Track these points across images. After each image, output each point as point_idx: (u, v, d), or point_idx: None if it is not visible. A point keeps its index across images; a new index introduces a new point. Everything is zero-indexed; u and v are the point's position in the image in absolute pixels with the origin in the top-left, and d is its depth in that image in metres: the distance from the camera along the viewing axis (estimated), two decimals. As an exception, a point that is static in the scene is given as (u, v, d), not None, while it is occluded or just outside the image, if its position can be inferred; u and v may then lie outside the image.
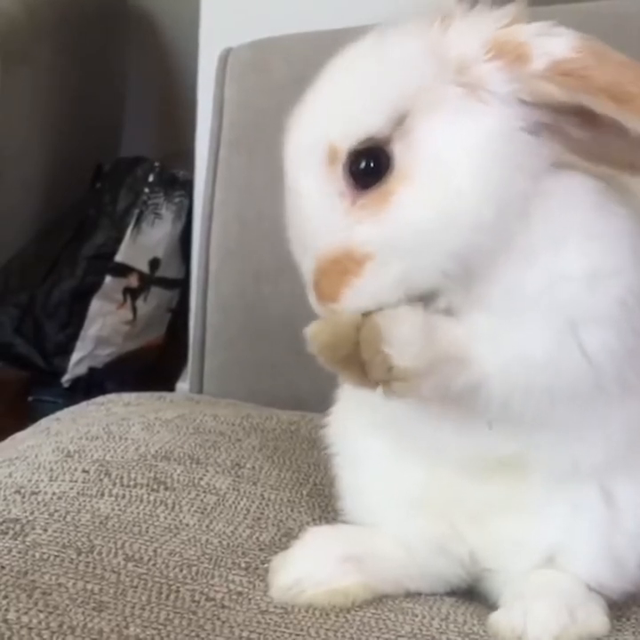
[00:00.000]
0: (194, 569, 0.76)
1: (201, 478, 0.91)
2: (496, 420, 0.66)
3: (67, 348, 2.28)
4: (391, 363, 0.61)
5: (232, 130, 1.48)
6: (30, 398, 2.30)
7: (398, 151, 0.61)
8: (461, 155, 0.60)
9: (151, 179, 2.41)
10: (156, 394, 1.24)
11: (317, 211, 0.63)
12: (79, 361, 2.29)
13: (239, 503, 0.88)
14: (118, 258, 2.35)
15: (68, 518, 0.81)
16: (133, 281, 2.38)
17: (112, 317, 2.34)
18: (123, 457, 0.94)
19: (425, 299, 0.64)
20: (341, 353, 0.63)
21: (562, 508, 0.72)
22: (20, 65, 2.20)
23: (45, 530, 0.79)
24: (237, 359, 1.37)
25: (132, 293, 2.37)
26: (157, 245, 2.41)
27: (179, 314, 2.47)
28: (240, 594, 0.74)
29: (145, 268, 2.39)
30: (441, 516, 0.75)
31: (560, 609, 0.69)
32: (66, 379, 2.29)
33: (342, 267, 0.62)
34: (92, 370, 2.31)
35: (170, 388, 2.31)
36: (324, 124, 0.63)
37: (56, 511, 0.82)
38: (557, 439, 0.68)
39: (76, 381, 2.30)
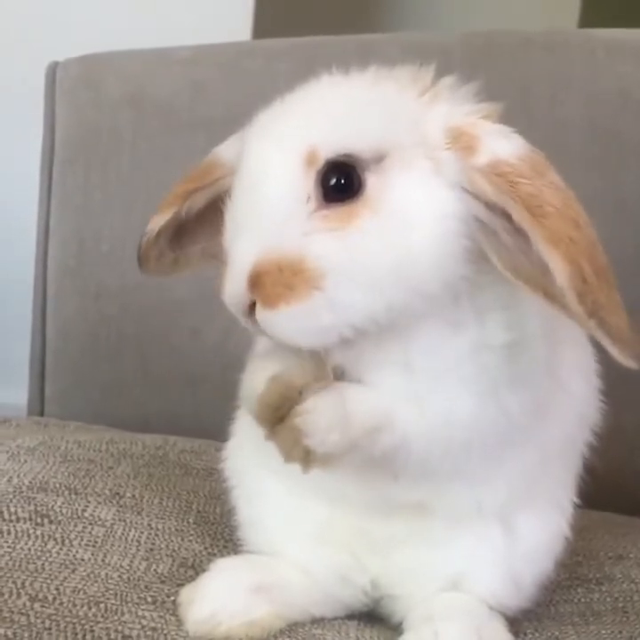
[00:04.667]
0: (102, 606, 0.74)
1: (84, 510, 0.89)
2: (407, 473, 0.69)
3: None
4: (310, 451, 0.62)
5: (65, 148, 1.43)
6: None
7: (371, 182, 0.62)
8: (425, 220, 0.62)
9: None
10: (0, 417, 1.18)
11: (282, 204, 0.62)
12: None
13: (128, 534, 0.86)
14: None
15: (-42, 558, 0.77)
16: None
17: None
18: (-3, 489, 0.90)
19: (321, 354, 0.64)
20: (280, 414, 0.64)
21: (464, 539, 0.76)
22: None
23: (-63, 572, 0.74)
24: (80, 381, 1.34)
25: None
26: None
27: None
28: (154, 629, 0.73)
29: None
30: (343, 547, 0.77)
31: (468, 629, 0.73)
32: None
33: (291, 279, 0.61)
34: None
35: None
36: (310, 127, 0.63)
37: (-58, 551, 0.77)
38: (463, 486, 0.72)
39: None
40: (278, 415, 0.63)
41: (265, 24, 1.98)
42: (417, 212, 0.62)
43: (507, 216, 0.61)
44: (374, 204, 0.62)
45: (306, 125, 0.63)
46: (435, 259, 0.62)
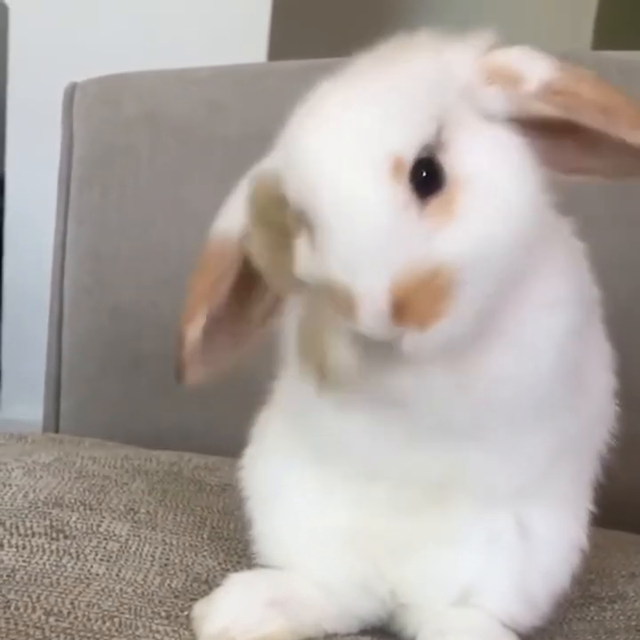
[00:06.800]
0: (116, 620, 0.75)
1: (99, 525, 0.90)
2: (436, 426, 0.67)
3: None
4: (327, 361, 0.60)
5: (83, 166, 1.45)
6: None
7: (446, 162, 0.61)
8: (505, 167, 0.62)
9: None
10: (16, 433, 1.19)
11: (388, 223, 0.58)
12: None
13: (143, 549, 0.87)
14: None
15: (-26, 572, 0.77)
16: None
17: None
18: (12, 505, 0.90)
19: None
20: (269, 217, 0.63)
21: (479, 541, 0.75)
22: None
23: (-46, 585, 0.75)
24: (95, 397, 1.35)
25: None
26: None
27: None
28: (168, 644, 0.73)
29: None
30: (364, 553, 0.77)
31: None
32: None
33: (435, 289, 0.58)
34: None
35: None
36: (383, 135, 0.59)
37: (-41, 565, 0.78)
38: (483, 459, 0.70)
39: None
40: (268, 218, 0.63)
41: (280, 45, 2.00)
42: (493, 164, 0.62)
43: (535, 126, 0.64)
44: (459, 182, 0.61)
45: (377, 134, 0.59)
46: (530, 197, 0.62)
